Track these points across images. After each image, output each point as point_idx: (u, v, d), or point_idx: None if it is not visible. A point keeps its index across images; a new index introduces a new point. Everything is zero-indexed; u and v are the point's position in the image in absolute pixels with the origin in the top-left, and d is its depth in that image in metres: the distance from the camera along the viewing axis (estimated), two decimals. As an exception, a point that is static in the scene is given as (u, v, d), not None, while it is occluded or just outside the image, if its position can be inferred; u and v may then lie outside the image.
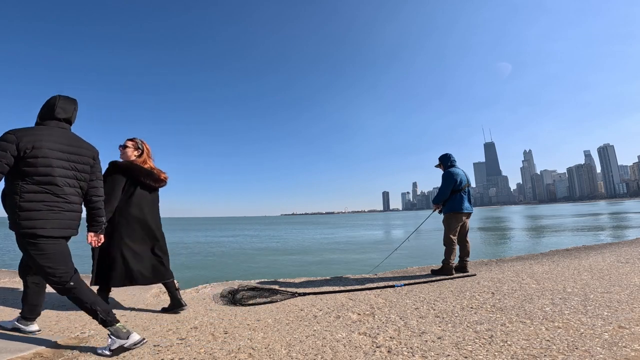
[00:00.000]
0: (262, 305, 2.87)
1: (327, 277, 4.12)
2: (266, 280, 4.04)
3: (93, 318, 1.91)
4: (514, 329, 2.12)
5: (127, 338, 1.90)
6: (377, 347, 1.92)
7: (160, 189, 2.90)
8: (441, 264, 4.02)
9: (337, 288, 3.43)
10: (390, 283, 3.50)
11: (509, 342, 1.91)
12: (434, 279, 3.70)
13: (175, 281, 4.01)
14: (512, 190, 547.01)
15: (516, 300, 2.77)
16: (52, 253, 1.88)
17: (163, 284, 2.77)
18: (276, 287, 3.43)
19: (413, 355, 1.79)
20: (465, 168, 4.32)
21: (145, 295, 3.35)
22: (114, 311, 2.76)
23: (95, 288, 2.87)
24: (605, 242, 8.33)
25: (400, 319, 2.40)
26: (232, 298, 3.03)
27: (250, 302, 2.93)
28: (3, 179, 1.84)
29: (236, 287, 3.33)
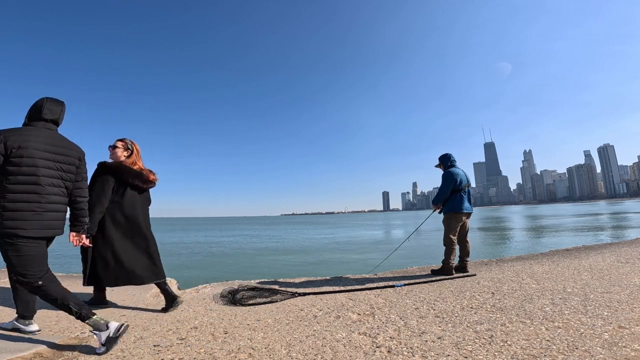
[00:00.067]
0: (262, 305, 2.87)
1: (327, 277, 4.12)
2: (266, 280, 4.04)
3: (68, 314, 1.93)
4: (514, 329, 2.13)
5: (108, 328, 1.93)
6: (377, 347, 1.92)
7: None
8: (441, 264, 4.02)
9: (337, 288, 3.43)
10: (390, 283, 3.50)
11: (509, 342, 1.92)
12: (434, 279, 3.70)
13: (175, 280, 4.03)
14: (512, 190, 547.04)
15: (516, 300, 2.77)
16: (29, 255, 1.91)
17: (155, 284, 2.79)
18: (276, 287, 3.43)
19: (413, 355, 1.80)
20: (465, 168, 4.32)
21: (145, 295, 3.35)
22: (114, 311, 2.77)
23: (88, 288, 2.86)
24: (605, 242, 8.33)
25: (400, 319, 2.40)
26: (232, 298, 3.03)
27: (250, 302, 2.93)
28: None
29: (236, 287, 3.33)
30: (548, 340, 1.93)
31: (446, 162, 4.25)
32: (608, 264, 4.21)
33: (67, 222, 2.21)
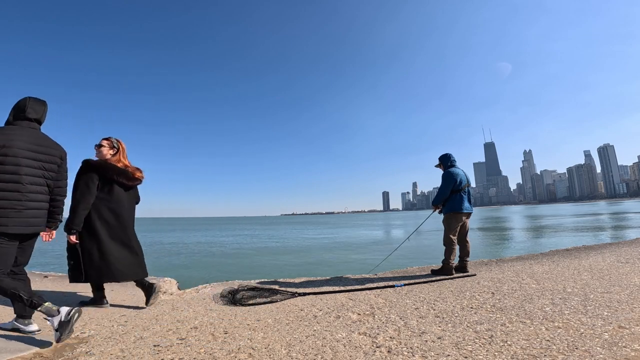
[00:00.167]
0: (262, 305, 2.87)
1: (327, 277, 4.12)
2: (266, 280, 4.04)
3: (19, 302, 1.98)
4: (514, 329, 2.12)
5: (59, 312, 1.97)
6: (377, 347, 1.92)
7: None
8: (441, 264, 4.02)
9: (337, 288, 3.43)
10: (390, 283, 3.50)
11: (509, 342, 1.91)
12: (434, 279, 3.70)
13: (175, 280, 4.03)
14: (512, 190, 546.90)
15: (516, 300, 2.77)
16: (2, 253, 1.97)
17: (135, 280, 2.85)
18: (276, 287, 3.42)
19: (413, 355, 1.79)
20: (465, 168, 4.32)
21: (145, 295, 3.35)
22: (114, 310, 2.77)
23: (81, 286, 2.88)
24: (605, 242, 8.33)
25: (400, 319, 2.40)
26: (232, 298, 3.03)
27: (250, 302, 2.93)
28: None
29: (236, 287, 3.33)
30: (548, 340, 1.92)
31: (446, 162, 4.25)
32: (608, 264, 4.21)
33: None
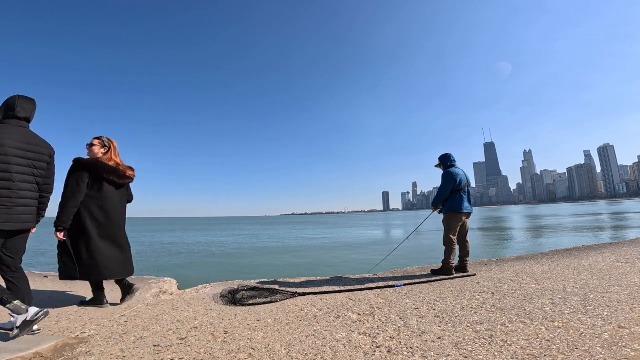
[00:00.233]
0: (262, 305, 2.87)
1: (327, 277, 4.12)
2: (266, 280, 4.04)
3: None
4: (514, 329, 2.12)
5: (27, 312, 2.02)
6: (377, 347, 1.92)
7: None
8: (441, 264, 4.02)
9: (337, 288, 3.43)
10: (390, 283, 3.50)
11: (509, 342, 1.91)
12: (434, 279, 3.70)
13: (175, 280, 4.03)
14: (512, 190, 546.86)
15: (516, 300, 2.77)
16: None
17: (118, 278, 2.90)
18: (276, 287, 3.42)
19: (413, 355, 1.79)
20: (465, 168, 4.32)
21: (145, 295, 3.35)
22: (114, 310, 2.77)
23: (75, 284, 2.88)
24: (605, 242, 8.33)
25: (400, 319, 2.40)
26: (232, 298, 3.03)
27: (250, 302, 2.93)
28: None
29: (236, 287, 3.33)
30: (548, 340, 1.92)
31: (446, 162, 4.25)
32: (608, 264, 4.21)
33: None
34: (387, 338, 2.05)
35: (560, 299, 2.75)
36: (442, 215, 4.16)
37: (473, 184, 4.56)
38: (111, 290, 3.51)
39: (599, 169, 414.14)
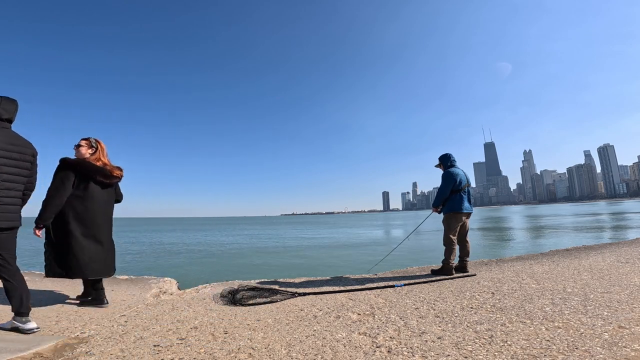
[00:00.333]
0: (262, 305, 2.87)
1: (327, 277, 4.12)
2: (266, 280, 4.04)
3: None
4: (514, 329, 2.12)
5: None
6: (377, 347, 1.92)
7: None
8: (441, 264, 4.02)
9: (337, 288, 3.43)
10: (390, 283, 3.50)
11: (509, 342, 1.91)
12: (434, 279, 3.70)
13: (175, 280, 4.03)
14: (512, 190, 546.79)
15: (516, 300, 2.77)
16: None
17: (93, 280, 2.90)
18: (276, 287, 3.42)
19: (413, 355, 1.80)
20: (465, 168, 4.32)
21: (145, 295, 3.35)
22: (114, 310, 2.77)
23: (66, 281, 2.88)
24: (605, 242, 8.33)
25: (400, 319, 2.40)
26: (232, 298, 3.03)
27: (250, 302, 2.93)
28: None
29: (236, 287, 3.33)
30: (548, 340, 1.92)
31: (446, 162, 4.25)
32: (608, 264, 4.21)
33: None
34: (387, 338, 2.05)
35: (560, 299, 2.75)
36: (442, 215, 4.16)
37: (473, 184, 4.56)
38: (111, 290, 3.52)
39: (599, 169, 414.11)
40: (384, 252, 7.38)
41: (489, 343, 1.92)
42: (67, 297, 3.23)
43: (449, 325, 2.23)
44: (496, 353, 1.79)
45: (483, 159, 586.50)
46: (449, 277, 3.78)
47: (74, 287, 3.59)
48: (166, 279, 4.09)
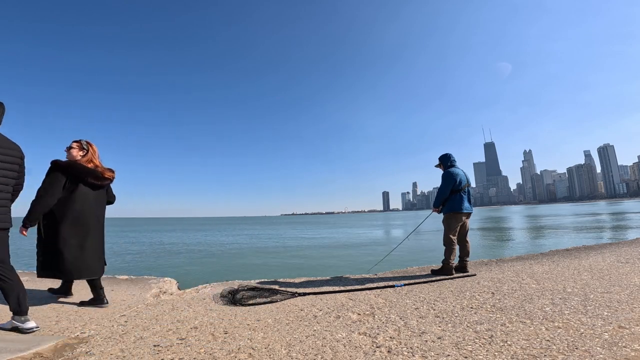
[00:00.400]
0: (262, 305, 2.87)
1: (327, 277, 4.12)
2: (266, 280, 4.03)
3: None
4: (514, 329, 2.12)
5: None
6: (377, 347, 1.92)
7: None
8: (441, 264, 4.02)
9: (337, 288, 3.43)
10: (390, 283, 3.50)
11: (509, 342, 1.92)
12: (434, 279, 3.70)
13: (175, 280, 4.03)
14: (512, 190, 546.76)
15: (516, 300, 2.77)
16: None
17: (90, 279, 2.90)
18: (276, 287, 3.42)
19: (413, 355, 1.80)
20: (465, 168, 4.32)
21: (145, 295, 3.35)
22: (114, 310, 2.77)
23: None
24: (605, 242, 8.33)
25: (400, 319, 2.40)
26: (232, 298, 3.03)
27: (250, 302, 2.93)
28: None
29: (236, 287, 3.33)
30: (548, 340, 1.92)
31: (446, 162, 4.25)
32: (608, 264, 4.21)
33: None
34: (387, 338, 2.05)
35: (560, 299, 2.75)
36: (441, 215, 4.16)
37: (473, 184, 4.56)
38: (111, 290, 3.52)
39: (599, 169, 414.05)
40: (384, 252, 7.38)
41: (489, 343, 1.92)
42: (67, 297, 3.23)
43: (449, 325, 2.23)
44: (496, 353, 1.79)
45: (483, 159, 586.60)
46: (449, 277, 3.78)
47: (73, 286, 3.59)
48: (166, 279, 4.09)
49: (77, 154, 2.88)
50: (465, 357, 1.75)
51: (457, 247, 4.03)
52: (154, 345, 2.01)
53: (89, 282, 2.93)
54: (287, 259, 10.36)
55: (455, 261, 4.02)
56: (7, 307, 2.33)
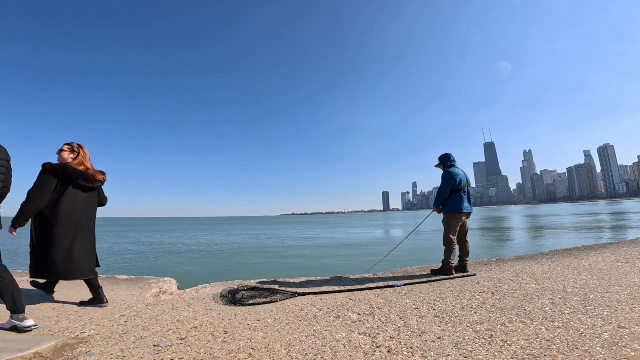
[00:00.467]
0: (262, 305, 2.87)
1: (327, 277, 4.12)
2: (266, 280, 4.04)
3: None
4: (514, 329, 2.12)
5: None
6: (377, 347, 1.92)
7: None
8: (441, 264, 4.02)
9: (337, 288, 3.43)
10: (390, 283, 3.50)
11: (509, 342, 1.92)
12: (434, 279, 3.70)
13: (175, 280, 4.03)
14: (512, 190, 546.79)
15: (516, 300, 2.77)
16: None
17: (87, 280, 2.93)
18: (276, 287, 3.43)
19: (413, 355, 1.80)
20: (465, 168, 4.32)
21: (145, 295, 3.35)
22: (114, 310, 2.77)
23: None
24: (605, 242, 8.33)
25: (400, 319, 2.40)
26: (232, 298, 3.03)
27: (250, 302, 2.93)
28: None
29: (236, 287, 3.33)
30: (548, 340, 1.93)
31: (446, 162, 4.25)
32: (608, 264, 4.21)
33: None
34: (387, 338, 2.05)
35: (560, 299, 2.75)
36: (441, 215, 4.16)
37: (473, 184, 4.56)
38: (111, 290, 3.52)
39: (599, 169, 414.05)
40: (384, 252, 7.38)
41: (489, 343, 1.92)
42: (67, 297, 3.23)
43: (449, 325, 2.24)
44: (496, 353, 1.79)
45: (483, 159, 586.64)
46: (449, 277, 3.78)
47: (73, 287, 3.59)
48: (166, 279, 4.09)
49: (68, 156, 2.89)
50: (465, 357, 1.75)
51: (457, 247, 4.03)
52: (154, 345, 2.01)
53: (87, 282, 2.94)
54: (287, 259, 10.36)
55: (455, 261, 4.02)
56: (5, 307, 2.34)
